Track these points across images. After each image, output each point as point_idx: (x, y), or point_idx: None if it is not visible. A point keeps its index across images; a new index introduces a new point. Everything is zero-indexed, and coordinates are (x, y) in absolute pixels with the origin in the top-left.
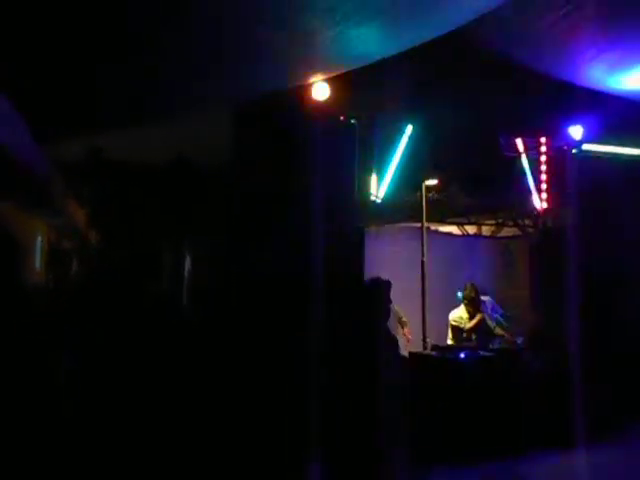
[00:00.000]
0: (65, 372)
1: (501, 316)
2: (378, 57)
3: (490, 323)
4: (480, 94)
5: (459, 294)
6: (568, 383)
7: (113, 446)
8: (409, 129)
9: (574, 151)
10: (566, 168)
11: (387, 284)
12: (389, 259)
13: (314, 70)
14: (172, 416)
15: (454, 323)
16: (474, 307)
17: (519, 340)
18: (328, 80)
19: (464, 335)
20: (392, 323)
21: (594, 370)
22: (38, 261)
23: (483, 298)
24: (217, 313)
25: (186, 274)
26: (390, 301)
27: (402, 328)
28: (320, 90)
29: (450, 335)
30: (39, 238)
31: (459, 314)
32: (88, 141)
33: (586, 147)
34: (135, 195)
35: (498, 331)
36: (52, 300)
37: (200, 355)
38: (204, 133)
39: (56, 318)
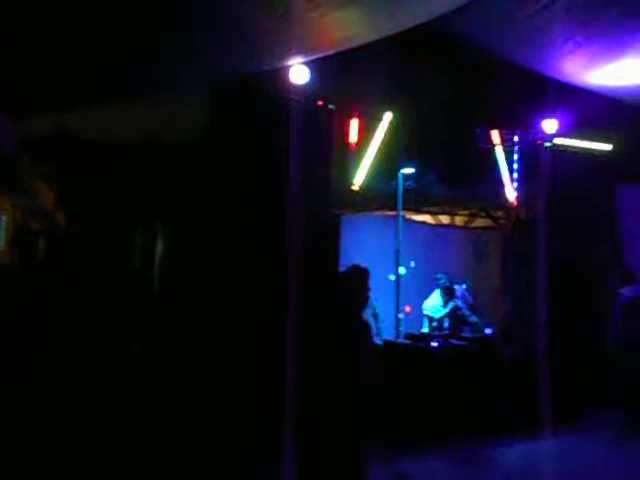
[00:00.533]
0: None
1: (473, 306)
2: (359, 42)
3: (463, 312)
4: (458, 85)
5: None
6: (537, 371)
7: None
8: (388, 117)
9: (547, 144)
10: (539, 161)
11: (365, 272)
12: (364, 246)
13: (294, 52)
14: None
15: (427, 312)
16: (448, 296)
17: (490, 329)
18: (308, 64)
19: (436, 324)
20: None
21: (562, 359)
22: (2, 241)
23: (456, 287)
24: (189, 296)
25: (156, 255)
26: (368, 289)
27: (376, 321)
28: (299, 73)
29: (424, 323)
30: (3, 217)
31: (433, 303)
32: (58, 119)
33: (559, 141)
34: (105, 174)
35: (471, 320)
36: (16, 280)
37: (168, 340)
38: (180, 113)
39: (19, 297)
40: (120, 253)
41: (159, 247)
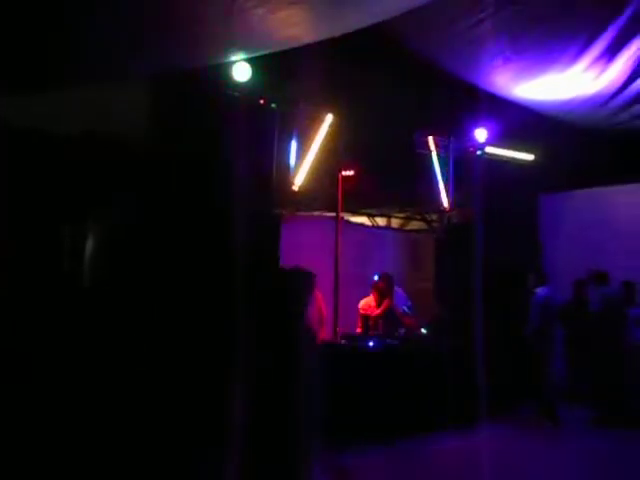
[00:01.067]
0: None
1: (408, 307)
2: (303, 42)
3: (398, 312)
4: (397, 91)
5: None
6: (467, 368)
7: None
8: (329, 118)
9: (478, 152)
10: (470, 168)
11: (307, 275)
12: (303, 247)
13: (237, 49)
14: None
15: (362, 312)
16: (382, 296)
17: (423, 329)
18: (250, 61)
19: (371, 323)
20: (315, 316)
21: (490, 356)
22: None
23: (395, 289)
24: (128, 294)
25: (92, 252)
26: (311, 292)
27: (322, 325)
28: (241, 70)
29: (359, 323)
30: None
31: (367, 302)
32: None
33: (489, 149)
34: (38, 166)
35: (405, 320)
36: None
37: (110, 340)
38: (119, 106)
39: None
40: (51, 250)
41: (91, 245)
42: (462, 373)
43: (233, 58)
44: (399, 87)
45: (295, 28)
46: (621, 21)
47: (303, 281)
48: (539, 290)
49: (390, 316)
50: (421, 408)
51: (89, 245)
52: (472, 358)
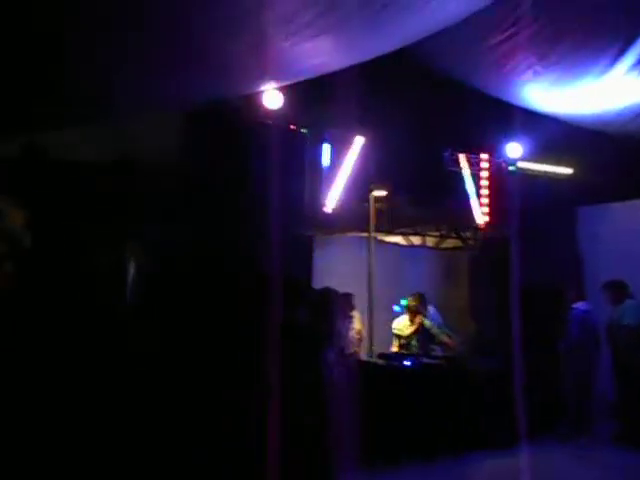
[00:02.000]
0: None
1: (440, 324)
2: (332, 69)
3: (434, 330)
4: (427, 109)
5: (396, 307)
6: (507, 389)
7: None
8: (359, 140)
9: (511, 168)
10: (504, 184)
11: (343, 296)
12: (337, 268)
13: (267, 79)
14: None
15: (396, 331)
16: (415, 315)
17: (461, 348)
18: (281, 89)
19: (404, 342)
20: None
21: (529, 374)
22: None
23: (428, 307)
24: (165, 322)
25: (131, 281)
26: (348, 312)
27: (360, 345)
28: (273, 98)
29: (394, 343)
30: None
31: (401, 322)
32: (27, 139)
33: (523, 164)
34: (78, 195)
35: (442, 338)
36: None
37: (142, 363)
38: (153, 137)
39: None
40: (92, 277)
41: (132, 270)
42: (500, 391)
43: (264, 87)
44: (429, 105)
45: (322, 58)
46: None
47: (335, 302)
48: (578, 305)
49: (424, 335)
50: (459, 427)
51: (124, 274)
52: (510, 376)
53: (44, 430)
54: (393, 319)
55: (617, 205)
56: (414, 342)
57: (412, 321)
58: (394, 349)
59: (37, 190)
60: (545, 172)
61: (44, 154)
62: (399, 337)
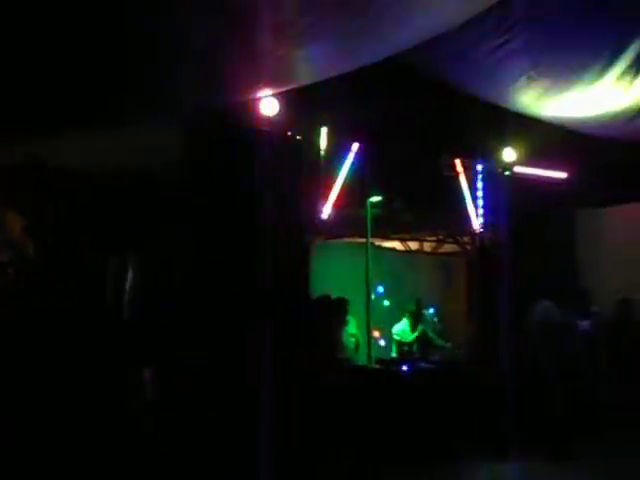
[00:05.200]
0: None
1: (438, 330)
2: (327, 75)
3: (432, 335)
4: (423, 115)
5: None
6: (503, 394)
7: None
8: (355, 147)
9: (507, 173)
10: (500, 189)
11: (338, 302)
12: (334, 274)
13: (263, 86)
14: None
15: (397, 337)
16: (416, 321)
17: (458, 352)
18: (277, 95)
19: (406, 348)
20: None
21: (526, 381)
22: None
23: (424, 312)
24: (164, 328)
25: (130, 289)
26: (343, 319)
27: (357, 350)
28: (269, 105)
29: (393, 348)
30: None
31: (402, 327)
32: (27, 147)
33: (519, 169)
34: (78, 205)
35: (439, 342)
36: None
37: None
38: (152, 145)
39: None
40: (92, 285)
41: (132, 279)
42: (495, 397)
43: (260, 94)
44: (424, 111)
45: (317, 64)
46: None
47: (331, 310)
48: (582, 324)
49: (424, 340)
50: (453, 434)
51: (127, 279)
52: (506, 384)
53: (44, 430)
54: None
55: (616, 208)
56: (415, 348)
57: (412, 327)
58: (393, 354)
59: (37, 199)
60: (542, 176)
61: (44, 163)
62: (400, 343)
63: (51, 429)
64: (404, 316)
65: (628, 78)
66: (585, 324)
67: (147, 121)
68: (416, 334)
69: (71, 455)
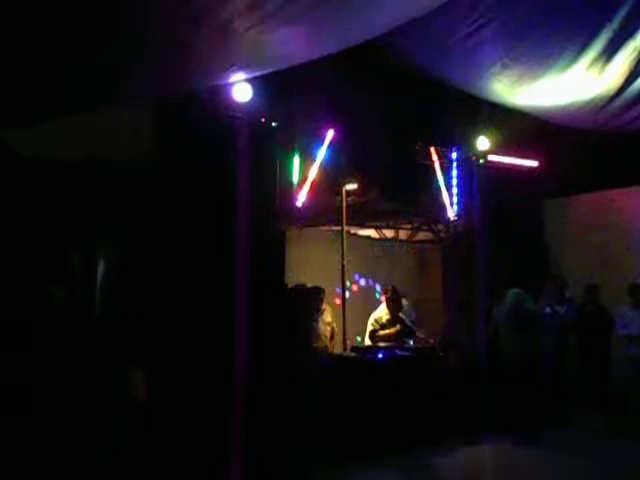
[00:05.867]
0: None
1: (414, 318)
2: (300, 60)
3: (407, 323)
4: (397, 103)
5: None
6: (476, 380)
7: None
8: (330, 134)
9: (480, 161)
10: (473, 177)
11: (313, 291)
12: (310, 262)
13: (235, 69)
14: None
15: (375, 324)
16: (395, 308)
17: (432, 340)
18: (250, 81)
19: (383, 336)
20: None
21: (499, 368)
22: None
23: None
24: (134, 318)
25: (98, 278)
26: (319, 307)
27: (333, 338)
28: (242, 91)
29: (368, 335)
30: None
31: (380, 315)
32: None
33: (492, 157)
34: (42, 191)
35: (414, 330)
36: None
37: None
38: (121, 130)
39: None
40: (55, 275)
41: (102, 269)
42: (471, 384)
43: (233, 79)
44: (399, 99)
45: (289, 48)
46: (615, 22)
47: (307, 298)
48: (559, 309)
49: (400, 328)
50: (429, 420)
51: (97, 271)
52: (480, 368)
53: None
54: (367, 312)
55: (583, 196)
56: (390, 337)
57: (392, 315)
58: (367, 342)
59: (3, 187)
60: (514, 165)
61: (9, 150)
62: (378, 330)
63: (30, 429)
64: (380, 304)
65: (599, 64)
66: (561, 309)
67: (116, 108)
68: (395, 329)
69: (48, 455)
